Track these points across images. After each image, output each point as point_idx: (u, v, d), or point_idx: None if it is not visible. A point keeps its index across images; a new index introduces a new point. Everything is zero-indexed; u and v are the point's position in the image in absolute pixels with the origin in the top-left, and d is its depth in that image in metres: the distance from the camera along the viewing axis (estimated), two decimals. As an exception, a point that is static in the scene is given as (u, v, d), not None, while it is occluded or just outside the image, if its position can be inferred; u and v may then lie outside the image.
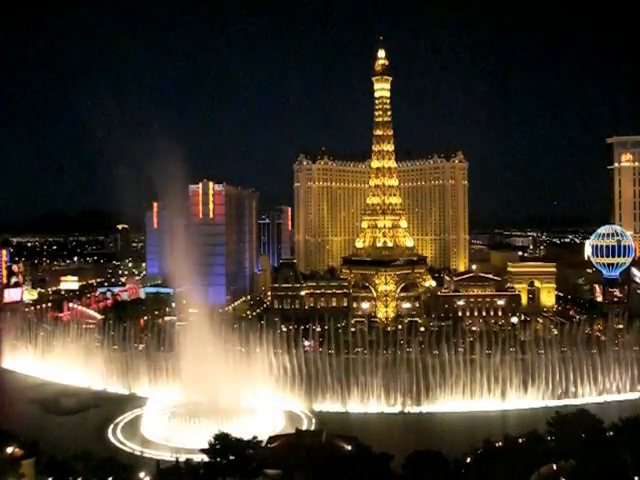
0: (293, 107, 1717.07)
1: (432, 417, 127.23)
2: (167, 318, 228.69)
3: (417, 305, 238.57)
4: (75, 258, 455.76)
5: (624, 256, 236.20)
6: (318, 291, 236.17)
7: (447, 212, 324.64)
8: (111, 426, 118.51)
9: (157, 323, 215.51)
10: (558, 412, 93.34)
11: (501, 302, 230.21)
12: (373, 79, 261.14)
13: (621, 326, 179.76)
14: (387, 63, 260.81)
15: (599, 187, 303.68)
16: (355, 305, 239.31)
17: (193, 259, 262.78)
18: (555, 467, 75.85)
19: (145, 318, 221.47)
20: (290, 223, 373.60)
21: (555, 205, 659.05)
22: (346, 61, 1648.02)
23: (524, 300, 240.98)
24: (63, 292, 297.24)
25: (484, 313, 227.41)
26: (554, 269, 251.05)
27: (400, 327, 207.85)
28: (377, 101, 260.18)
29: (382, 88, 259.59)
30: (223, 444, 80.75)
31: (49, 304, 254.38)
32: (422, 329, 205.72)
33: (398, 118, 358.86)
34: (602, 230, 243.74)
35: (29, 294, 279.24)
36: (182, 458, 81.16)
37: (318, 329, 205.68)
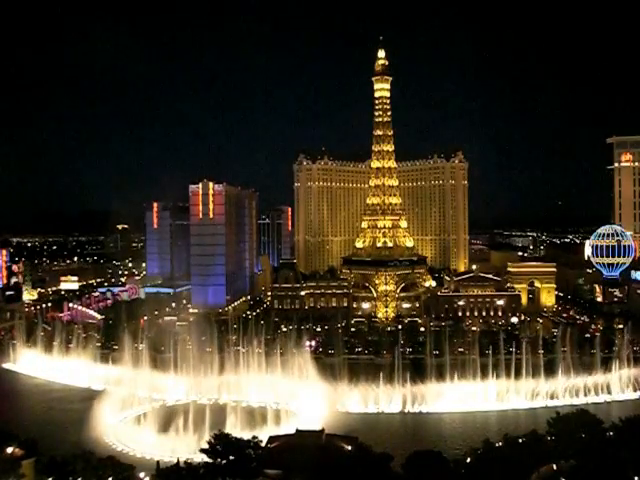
0: (293, 107, 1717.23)
1: (432, 417, 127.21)
2: (167, 318, 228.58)
3: (417, 305, 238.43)
4: (75, 258, 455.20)
5: (624, 256, 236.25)
6: (318, 291, 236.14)
7: (447, 212, 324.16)
8: (111, 426, 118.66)
9: (157, 323, 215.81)
10: (558, 412, 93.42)
11: (501, 302, 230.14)
12: (373, 79, 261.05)
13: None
14: (387, 63, 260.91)
15: (599, 187, 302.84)
16: (355, 305, 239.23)
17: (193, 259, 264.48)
18: (555, 467, 75.90)
19: (145, 318, 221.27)
20: (290, 223, 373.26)
21: (559, 205, 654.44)
22: (346, 61, 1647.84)
23: (524, 300, 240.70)
24: (63, 292, 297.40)
25: (484, 313, 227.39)
26: (554, 269, 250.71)
27: (400, 327, 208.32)
28: (377, 101, 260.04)
29: (382, 88, 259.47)
30: (223, 444, 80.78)
31: (49, 304, 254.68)
32: (422, 329, 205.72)
33: (398, 118, 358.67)
34: (602, 230, 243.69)
35: (29, 294, 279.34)
36: (182, 458, 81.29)
37: (318, 329, 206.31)
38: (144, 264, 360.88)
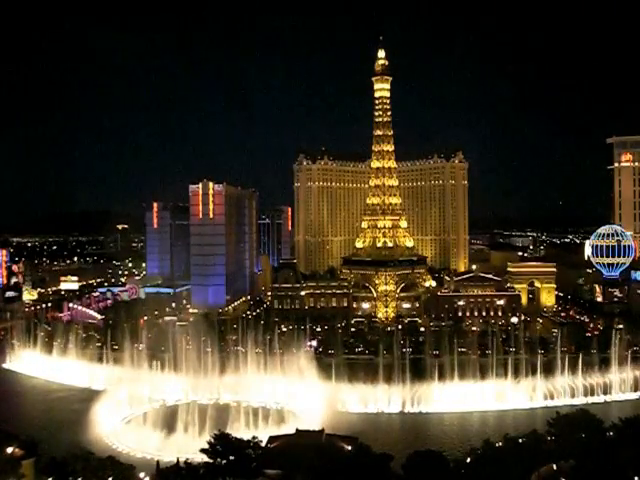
0: (293, 107, 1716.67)
1: (432, 417, 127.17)
2: (167, 318, 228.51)
3: (417, 305, 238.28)
4: (75, 258, 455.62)
5: (624, 256, 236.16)
6: (318, 291, 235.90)
7: (447, 212, 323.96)
8: (111, 426, 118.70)
9: (157, 323, 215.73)
10: (558, 412, 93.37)
11: (501, 302, 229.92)
12: (373, 79, 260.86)
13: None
14: (387, 63, 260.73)
15: (599, 187, 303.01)
16: (355, 305, 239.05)
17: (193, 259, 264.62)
18: (555, 467, 75.80)
19: (145, 318, 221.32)
20: (290, 223, 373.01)
21: (559, 205, 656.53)
22: (346, 61, 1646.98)
23: (524, 300, 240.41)
24: (63, 292, 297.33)
25: (484, 313, 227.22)
26: (554, 269, 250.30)
27: (400, 327, 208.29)
28: (377, 101, 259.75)
29: (382, 88, 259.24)
30: (223, 444, 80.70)
31: (49, 304, 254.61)
32: (422, 329, 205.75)
33: (398, 118, 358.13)
34: (602, 230, 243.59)
35: (29, 294, 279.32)
36: (182, 458, 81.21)
37: (318, 329, 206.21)
38: (144, 264, 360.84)
